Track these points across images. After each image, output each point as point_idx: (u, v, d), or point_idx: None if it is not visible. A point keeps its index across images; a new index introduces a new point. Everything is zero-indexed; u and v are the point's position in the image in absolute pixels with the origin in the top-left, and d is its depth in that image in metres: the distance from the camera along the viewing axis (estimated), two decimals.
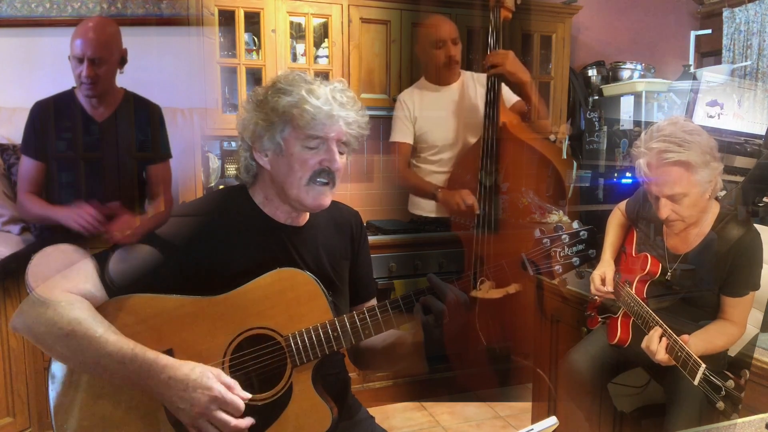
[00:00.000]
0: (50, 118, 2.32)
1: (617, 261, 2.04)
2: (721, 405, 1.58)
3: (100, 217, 2.22)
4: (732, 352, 1.85)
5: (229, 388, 1.20)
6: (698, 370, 1.59)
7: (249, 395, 1.23)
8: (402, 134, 2.99)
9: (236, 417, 1.20)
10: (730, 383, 1.58)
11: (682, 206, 1.73)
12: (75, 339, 1.17)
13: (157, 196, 2.52)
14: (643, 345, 1.76)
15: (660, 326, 1.73)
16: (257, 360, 1.28)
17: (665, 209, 1.74)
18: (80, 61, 2.25)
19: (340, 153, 1.34)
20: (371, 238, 2.90)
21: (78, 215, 2.22)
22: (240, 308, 1.28)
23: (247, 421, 1.21)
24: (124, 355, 1.17)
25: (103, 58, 2.28)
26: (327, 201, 1.35)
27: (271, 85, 1.33)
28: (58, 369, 1.26)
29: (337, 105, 1.29)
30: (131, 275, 1.26)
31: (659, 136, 1.73)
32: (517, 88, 2.87)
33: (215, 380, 1.19)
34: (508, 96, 2.89)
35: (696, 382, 1.59)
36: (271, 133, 1.30)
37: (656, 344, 1.71)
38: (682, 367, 1.65)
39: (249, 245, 1.34)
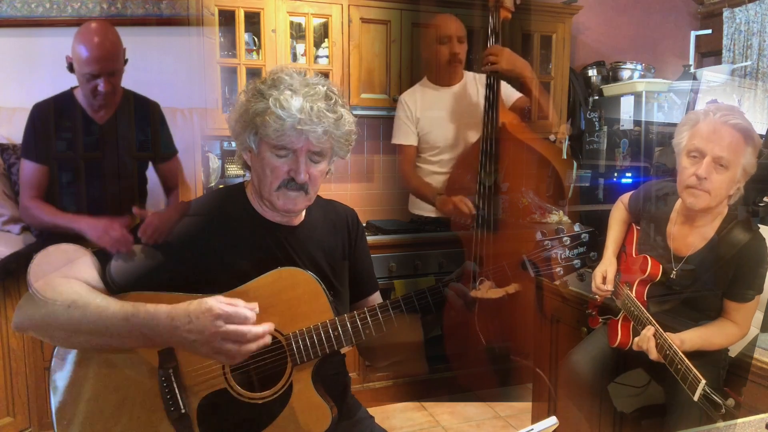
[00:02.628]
0: (50, 119, 2.32)
1: (618, 260, 2.03)
2: (720, 422, 1.56)
3: (125, 237, 2.14)
4: (733, 353, 1.85)
5: (233, 306, 1.18)
6: (698, 385, 1.57)
7: (255, 304, 1.21)
8: (405, 136, 2.99)
9: (248, 325, 1.18)
10: (731, 401, 1.56)
11: (718, 177, 1.71)
12: (77, 309, 1.17)
13: (172, 191, 2.53)
14: (636, 347, 1.77)
15: (660, 335, 1.72)
16: (258, 359, 1.27)
17: (707, 168, 1.71)
18: (95, 77, 2.22)
19: (315, 162, 1.31)
20: (371, 238, 2.90)
21: (105, 232, 2.07)
22: None
23: (264, 327, 1.19)
24: (126, 312, 1.17)
25: (117, 69, 2.28)
26: (299, 206, 1.35)
27: (259, 82, 1.31)
28: (58, 368, 1.26)
29: (306, 117, 1.23)
30: (132, 273, 1.27)
31: (722, 105, 1.77)
32: (518, 84, 2.85)
33: (214, 300, 1.17)
34: (509, 93, 2.88)
35: (696, 398, 1.58)
36: (246, 135, 1.30)
37: (646, 343, 1.72)
38: (682, 380, 1.63)
39: (245, 244, 1.34)
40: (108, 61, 2.24)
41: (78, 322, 1.18)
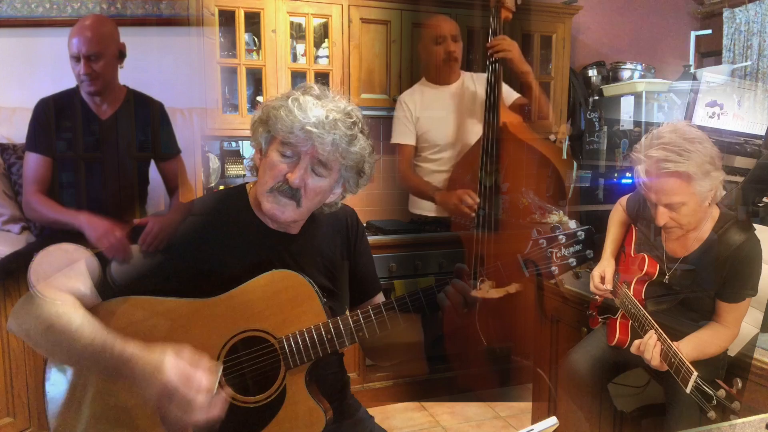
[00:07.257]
0: (54, 114, 2.32)
1: (617, 260, 2.04)
2: (712, 414, 1.57)
3: (123, 244, 2.05)
4: (732, 353, 1.85)
5: (186, 379, 1.10)
6: (690, 377, 1.58)
7: (220, 367, 1.17)
8: (403, 136, 2.99)
9: (191, 411, 1.10)
10: (722, 392, 1.57)
11: (680, 214, 1.71)
12: (54, 333, 1.15)
13: (175, 191, 2.53)
14: (634, 350, 1.75)
15: (655, 330, 1.73)
16: (251, 362, 1.27)
17: (663, 217, 1.72)
18: (77, 59, 2.25)
19: (317, 174, 1.28)
20: (371, 239, 2.90)
21: (105, 236, 2.06)
22: (235, 310, 1.28)
23: (220, 402, 1.14)
24: (94, 349, 1.13)
25: (98, 53, 2.27)
26: (286, 215, 1.29)
27: (293, 90, 1.33)
28: (52, 372, 1.26)
29: (318, 122, 1.22)
30: (132, 274, 1.27)
31: (659, 144, 1.68)
32: (520, 78, 2.84)
33: (171, 372, 1.10)
34: (508, 93, 2.89)
35: (688, 390, 1.58)
36: (259, 132, 1.31)
37: (651, 351, 1.70)
38: (675, 373, 1.64)
39: (243, 251, 1.33)
40: (87, 43, 2.24)
41: (54, 346, 1.17)
